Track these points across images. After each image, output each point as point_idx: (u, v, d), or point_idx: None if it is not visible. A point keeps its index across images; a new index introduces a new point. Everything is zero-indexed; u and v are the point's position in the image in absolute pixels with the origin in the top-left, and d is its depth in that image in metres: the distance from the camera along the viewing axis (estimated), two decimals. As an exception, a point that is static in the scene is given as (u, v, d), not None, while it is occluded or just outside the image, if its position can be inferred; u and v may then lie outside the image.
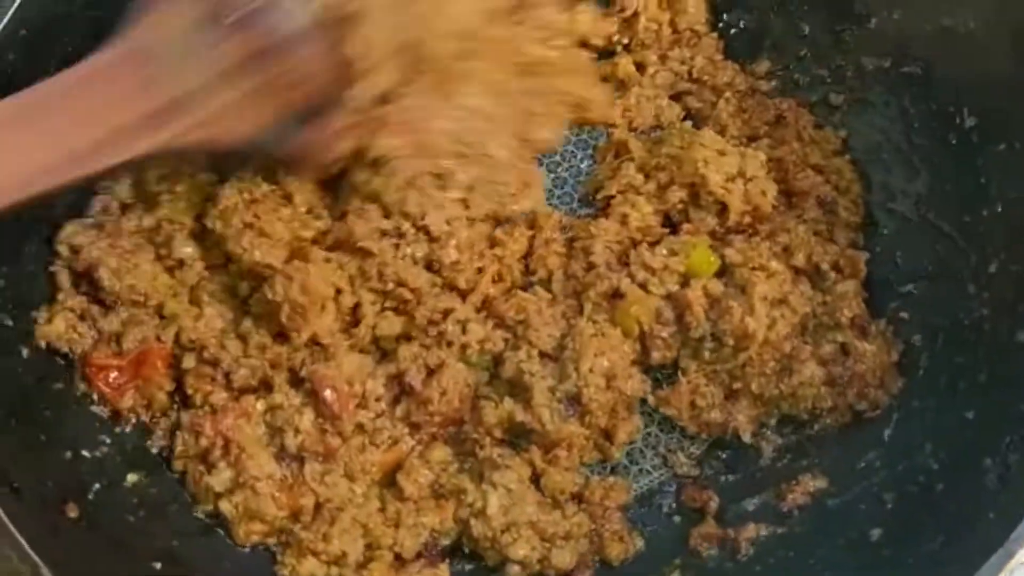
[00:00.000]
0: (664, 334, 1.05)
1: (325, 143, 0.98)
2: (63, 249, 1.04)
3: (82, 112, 0.85)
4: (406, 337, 1.06)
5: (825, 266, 1.09)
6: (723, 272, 1.07)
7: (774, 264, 1.06)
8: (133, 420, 1.04)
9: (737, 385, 1.05)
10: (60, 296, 1.03)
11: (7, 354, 0.96)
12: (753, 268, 1.05)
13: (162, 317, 1.06)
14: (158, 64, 0.86)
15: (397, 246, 1.05)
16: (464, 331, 1.05)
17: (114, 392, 1.02)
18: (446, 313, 1.05)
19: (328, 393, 1.01)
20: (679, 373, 1.07)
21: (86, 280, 1.04)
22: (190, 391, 1.04)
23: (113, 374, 1.02)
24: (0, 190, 0.80)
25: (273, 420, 1.02)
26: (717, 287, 1.05)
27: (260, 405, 1.03)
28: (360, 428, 1.03)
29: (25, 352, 0.98)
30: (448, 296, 1.06)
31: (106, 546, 0.93)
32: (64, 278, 1.04)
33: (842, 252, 1.11)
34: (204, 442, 1.01)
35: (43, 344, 1.00)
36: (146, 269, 1.05)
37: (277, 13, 0.88)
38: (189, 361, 1.04)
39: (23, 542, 0.82)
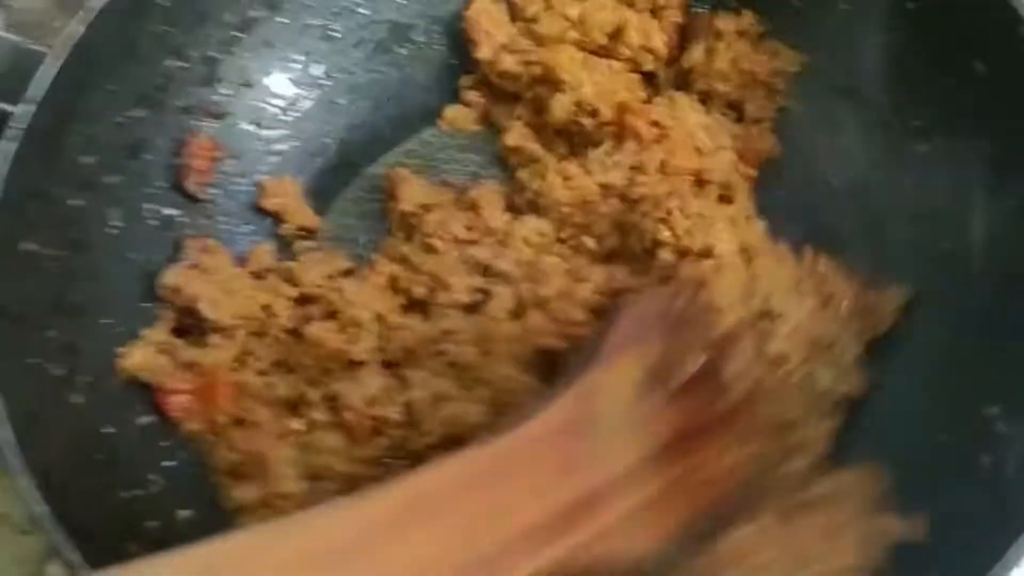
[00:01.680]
0: None
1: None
2: (165, 292, 1.10)
3: (496, 501, 0.62)
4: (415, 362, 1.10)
5: None
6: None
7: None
8: (183, 456, 1.08)
9: None
10: (144, 333, 1.09)
11: (59, 403, 1.00)
12: None
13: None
14: (590, 440, 0.66)
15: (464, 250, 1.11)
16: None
17: (181, 416, 1.09)
18: (447, 332, 1.09)
19: (349, 414, 1.06)
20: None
21: (188, 314, 1.10)
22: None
23: (181, 398, 1.09)
24: None
25: (306, 441, 1.06)
26: None
27: (296, 424, 1.07)
28: (380, 459, 1.07)
29: (75, 400, 1.01)
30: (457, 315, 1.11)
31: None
32: (167, 316, 1.11)
33: None
34: (235, 457, 1.06)
35: (123, 376, 1.06)
36: (245, 295, 1.12)
37: (729, 372, 0.67)
38: (247, 374, 1.10)
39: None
